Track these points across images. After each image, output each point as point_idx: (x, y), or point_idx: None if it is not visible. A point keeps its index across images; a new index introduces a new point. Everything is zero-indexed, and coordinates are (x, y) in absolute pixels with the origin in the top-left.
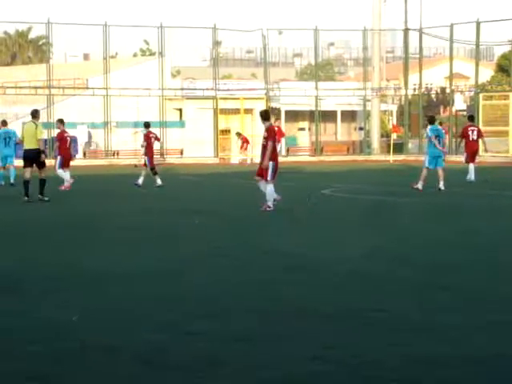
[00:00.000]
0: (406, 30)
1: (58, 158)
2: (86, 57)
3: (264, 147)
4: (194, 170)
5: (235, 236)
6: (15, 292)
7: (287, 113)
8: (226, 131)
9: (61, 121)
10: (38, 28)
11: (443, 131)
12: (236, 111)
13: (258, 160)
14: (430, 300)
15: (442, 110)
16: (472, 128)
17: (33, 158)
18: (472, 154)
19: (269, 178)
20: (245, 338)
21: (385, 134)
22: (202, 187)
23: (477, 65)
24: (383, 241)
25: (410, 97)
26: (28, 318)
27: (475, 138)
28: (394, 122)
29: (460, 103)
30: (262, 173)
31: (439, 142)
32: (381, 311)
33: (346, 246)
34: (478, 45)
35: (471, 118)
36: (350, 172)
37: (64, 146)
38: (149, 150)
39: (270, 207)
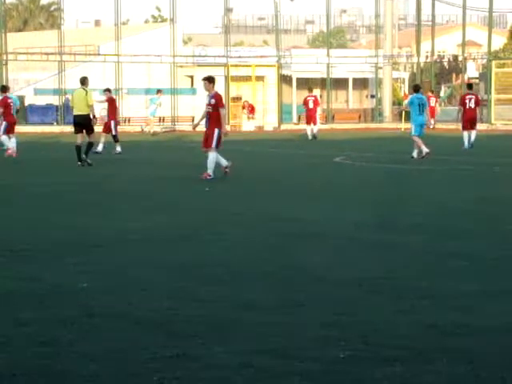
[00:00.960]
0: None
1: (3, 123)
2: (97, 23)
3: (210, 115)
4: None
5: (247, 202)
6: (26, 257)
7: (299, 80)
8: (238, 98)
9: (3, 88)
10: None
11: (426, 100)
12: (247, 78)
13: (269, 127)
14: (441, 267)
15: (454, 78)
16: (470, 96)
17: (83, 123)
18: (469, 122)
19: (213, 146)
20: (255, 304)
21: (396, 102)
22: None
23: (490, 32)
24: (392, 208)
25: (422, 64)
26: (39, 283)
27: (473, 106)
28: (406, 90)
29: (472, 71)
30: (207, 142)
31: (423, 111)
32: (391, 278)
33: (356, 213)
34: (491, 12)
35: (470, 87)
36: (362, 140)
37: (8, 112)
38: (112, 115)
39: (210, 176)
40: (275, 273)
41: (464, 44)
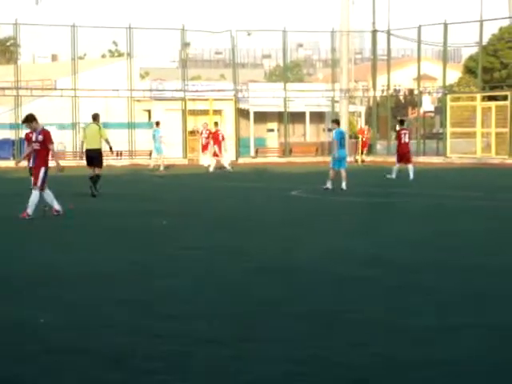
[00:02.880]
0: (374, 32)
1: None
2: (54, 58)
3: (38, 152)
4: (165, 172)
5: (205, 237)
6: None
7: (256, 114)
8: (194, 132)
9: None
10: (5, 28)
11: (346, 134)
12: (205, 112)
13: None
14: (400, 300)
15: (410, 111)
16: (404, 131)
17: (95, 157)
18: (404, 155)
19: (38, 184)
20: (217, 339)
21: (353, 135)
22: (171, 188)
23: (444, 66)
24: (353, 241)
25: (378, 98)
26: None
27: (407, 140)
28: (363, 124)
29: (428, 104)
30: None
31: (344, 145)
32: (351, 312)
33: (315, 247)
34: (445, 46)
35: (402, 123)
36: (318, 173)
37: None
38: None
39: (29, 215)
40: (232, 307)
41: (419, 78)
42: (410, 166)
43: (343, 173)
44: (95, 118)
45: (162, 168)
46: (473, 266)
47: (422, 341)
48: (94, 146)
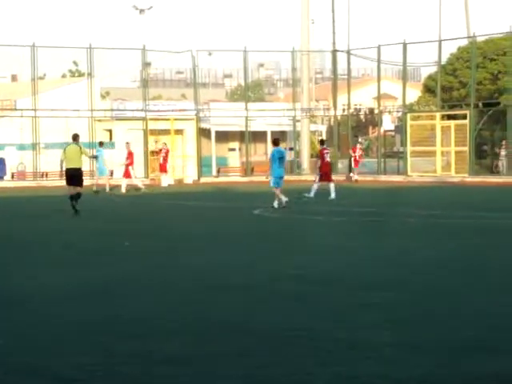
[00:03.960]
0: (334, 51)
1: None
2: (13, 78)
3: None
4: (124, 191)
5: (169, 256)
6: None
7: (218, 133)
8: (157, 152)
9: None
10: None
11: (286, 153)
12: (166, 132)
13: (189, 180)
14: (358, 318)
15: (370, 130)
16: (326, 151)
17: (76, 175)
18: (326, 174)
19: None
20: (173, 359)
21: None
22: (131, 208)
23: (404, 85)
24: (313, 259)
25: (339, 117)
26: None
27: (328, 159)
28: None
29: (388, 123)
30: None
31: (282, 164)
32: (310, 330)
33: (276, 265)
34: (405, 66)
35: (323, 142)
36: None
37: None
38: None
39: None
40: (193, 325)
41: (379, 97)
42: (332, 185)
43: (276, 191)
44: (75, 138)
45: (107, 189)
46: (421, 285)
47: (380, 358)
48: (75, 166)
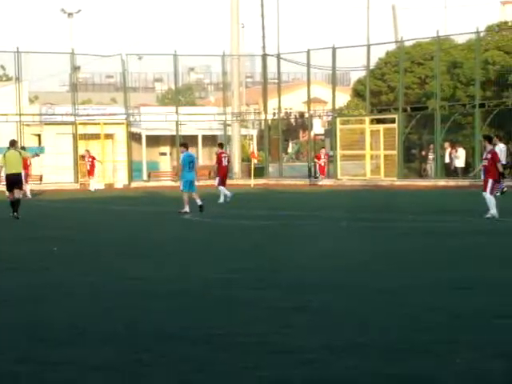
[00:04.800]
0: (264, 56)
1: None
2: None
3: None
4: (53, 197)
5: (98, 262)
6: None
7: (148, 137)
8: (94, 157)
9: None
10: None
11: (195, 157)
12: (96, 136)
13: (119, 184)
14: (290, 321)
15: (301, 134)
16: (224, 155)
17: (16, 181)
18: (225, 178)
19: None
20: (105, 366)
21: (246, 159)
22: (62, 213)
23: (333, 90)
24: (244, 264)
25: (269, 121)
26: None
27: (227, 163)
28: (255, 147)
29: (318, 127)
30: None
31: (193, 168)
32: (240, 335)
33: (208, 270)
34: (334, 70)
35: (221, 146)
36: (211, 196)
37: None
38: None
39: None
40: (124, 332)
41: (309, 101)
42: (222, 189)
43: (195, 196)
44: (13, 144)
45: (28, 195)
46: (355, 286)
47: (309, 361)
48: (15, 171)
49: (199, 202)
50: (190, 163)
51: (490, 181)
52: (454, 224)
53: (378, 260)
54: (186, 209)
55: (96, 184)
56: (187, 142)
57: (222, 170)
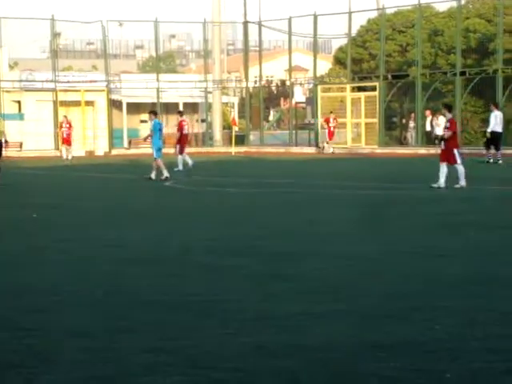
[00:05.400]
0: (246, 23)
1: None
2: None
3: None
4: (34, 164)
5: (79, 229)
6: None
7: (129, 105)
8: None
9: None
10: None
11: (164, 125)
12: (77, 103)
13: (100, 152)
14: (268, 289)
15: (282, 102)
16: (185, 122)
17: None
18: (184, 146)
19: None
20: (83, 331)
21: (227, 126)
22: (43, 180)
23: (315, 58)
24: (225, 231)
25: (250, 89)
26: None
27: (187, 131)
28: (236, 114)
29: (300, 95)
30: None
31: (161, 135)
32: (221, 301)
33: (189, 237)
34: (315, 38)
35: (181, 114)
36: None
37: None
38: None
39: None
40: (105, 299)
41: (290, 69)
42: (181, 157)
43: (159, 162)
44: None
45: None
46: (332, 253)
47: (288, 328)
48: None
49: (153, 175)
50: (160, 130)
51: (455, 151)
52: (425, 192)
53: (352, 227)
54: (166, 173)
55: (71, 153)
56: (156, 109)
57: (183, 138)
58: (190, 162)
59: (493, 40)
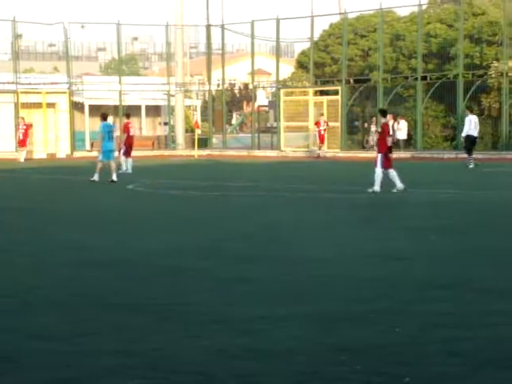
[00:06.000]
0: (209, 26)
1: None
2: None
3: None
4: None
5: (35, 231)
6: None
7: (91, 107)
8: (28, 125)
9: None
10: None
11: (116, 127)
12: (38, 105)
13: (62, 154)
14: (231, 292)
15: (245, 106)
16: (131, 124)
17: None
18: (131, 148)
19: None
20: (47, 334)
21: (189, 129)
22: (2, 183)
23: (277, 61)
24: (187, 234)
25: (213, 92)
26: None
27: (133, 133)
28: (198, 117)
29: (262, 99)
30: None
31: (111, 138)
32: (182, 305)
33: (151, 240)
34: (278, 41)
35: (128, 116)
36: (155, 167)
37: None
38: None
39: None
40: (66, 301)
41: (253, 73)
42: (130, 160)
43: (112, 165)
44: None
45: None
46: (294, 256)
47: (250, 331)
48: None
49: (115, 177)
50: (109, 133)
51: (379, 155)
52: (385, 195)
53: (314, 230)
54: (96, 177)
55: (23, 155)
56: (106, 112)
57: (128, 140)
58: (129, 168)
59: (453, 45)
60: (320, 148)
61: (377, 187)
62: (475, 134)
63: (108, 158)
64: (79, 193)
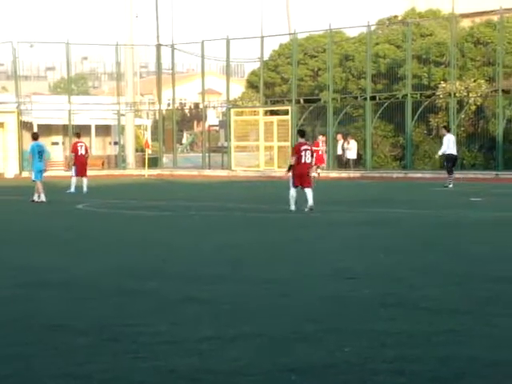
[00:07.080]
0: (159, 46)
1: None
2: None
3: None
4: None
5: None
6: None
7: (40, 127)
8: None
9: None
10: None
11: (45, 148)
12: None
13: (10, 174)
14: (180, 312)
15: (195, 125)
16: (81, 144)
17: None
18: (83, 168)
19: None
20: None
21: (140, 149)
22: None
23: (228, 81)
24: (136, 255)
25: (164, 112)
26: None
27: (83, 152)
28: (149, 137)
29: (213, 118)
30: None
31: (42, 158)
32: (132, 325)
33: (99, 261)
34: (228, 61)
35: (78, 135)
36: (105, 186)
37: None
38: None
39: None
40: (11, 324)
41: (204, 92)
42: (85, 180)
43: (39, 186)
44: None
45: None
46: (244, 276)
47: (200, 351)
48: None
49: (36, 197)
50: (39, 153)
51: (291, 175)
52: (334, 215)
53: (265, 251)
54: (43, 198)
55: None
56: (37, 132)
57: (78, 160)
58: (84, 187)
59: (402, 65)
60: (317, 169)
61: (292, 206)
62: (454, 152)
63: (39, 178)
64: (26, 213)
